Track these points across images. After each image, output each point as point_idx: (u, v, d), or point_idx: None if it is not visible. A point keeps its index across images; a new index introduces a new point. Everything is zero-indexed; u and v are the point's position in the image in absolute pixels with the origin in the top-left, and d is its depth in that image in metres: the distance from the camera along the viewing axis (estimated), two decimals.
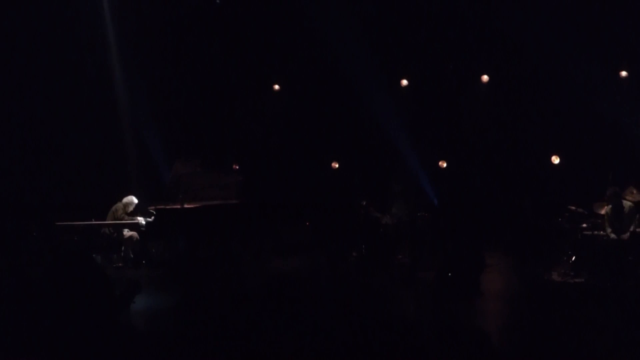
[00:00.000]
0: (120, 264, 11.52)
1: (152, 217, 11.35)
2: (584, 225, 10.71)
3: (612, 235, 10.19)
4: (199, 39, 14.10)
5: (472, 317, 8.11)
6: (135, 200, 11.83)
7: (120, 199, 11.80)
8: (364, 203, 12.11)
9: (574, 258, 10.44)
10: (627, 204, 10.28)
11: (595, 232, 10.47)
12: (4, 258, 10.30)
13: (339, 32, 13.28)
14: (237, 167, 14.33)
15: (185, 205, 11.15)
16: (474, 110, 14.21)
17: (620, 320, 7.49)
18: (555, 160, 13.56)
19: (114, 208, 11.72)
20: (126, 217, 11.65)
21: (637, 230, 10.07)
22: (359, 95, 13.96)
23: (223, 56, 14.37)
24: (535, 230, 11.87)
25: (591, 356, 6.37)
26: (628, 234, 10.08)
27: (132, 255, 11.61)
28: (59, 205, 12.29)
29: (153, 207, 11.38)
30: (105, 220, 11.69)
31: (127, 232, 11.68)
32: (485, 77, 14.11)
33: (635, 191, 10.50)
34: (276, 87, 15.05)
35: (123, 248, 11.66)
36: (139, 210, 11.90)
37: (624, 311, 7.92)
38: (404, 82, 14.48)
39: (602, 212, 10.66)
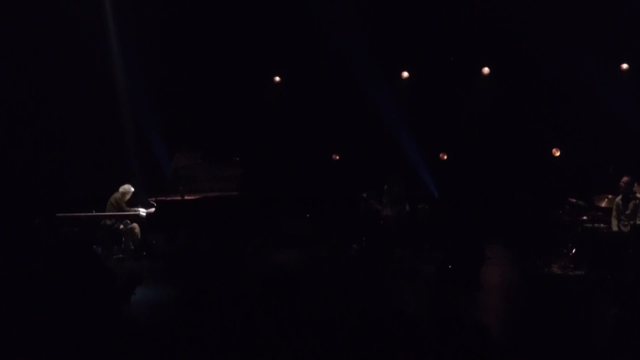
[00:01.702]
0: (120, 256, 11.54)
1: (153, 209, 11.36)
2: (584, 217, 10.71)
3: (615, 228, 10.18)
4: (200, 31, 14.07)
5: (472, 310, 8.12)
6: (132, 189, 11.86)
7: (117, 189, 11.83)
8: (365, 195, 12.11)
9: (574, 251, 10.45)
10: (635, 195, 10.24)
11: (596, 225, 10.47)
12: (6, 248, 10.31)
13: (339, 25, 13.25)
14: (238, 159, 14.32)
15: (186, 197, 11.16)
16: (474, 102, 14.20)
17: (621, 313, 7.50)
18: (556, 153, 13.56)
19: (112, 199, 11.72)
20: (126, 207, 11.67)
21: (638, 223, 10.07)
22: (359, 87, 13.93)
23: (223, 48, 14.33)
24: (535, 222, 11.87)
25: (591, 349, 6.38)
26: (629, 226, 10.08)
27: (132, 247, 11.62)
28: (60, 196, 12.30)
29: (154, 199, 11.39)
30: (104, 211, 11.70)
31: (127, 224, 11.68)
32: (485, 70, 14.10)
33: (637, 184, 10.48)
34: (277, 79, 15.04)
35: (123, 239, 11.68)
36: (138, 200, 11.91)
37: (624, 304, 7.93)
38: (405, 74, 14.48)
39: (603, 204, 10.66)
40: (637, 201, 10.15)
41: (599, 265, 9.88)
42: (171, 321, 4.45)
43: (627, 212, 10.17)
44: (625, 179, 10.27)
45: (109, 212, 11.67)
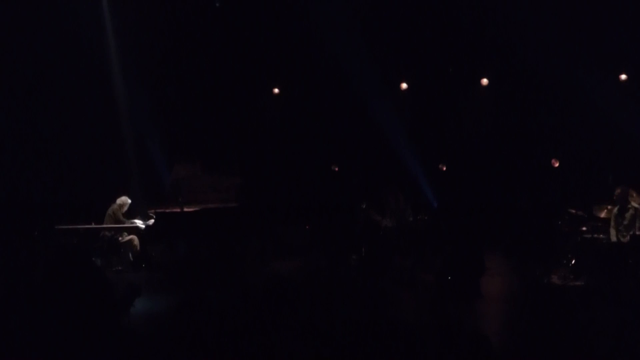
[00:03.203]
0: (119, 268, 11.52)
1: (152, 221, 11.34)
2: (584, 228, 10.71)
3: (614, 238, 10.17)
4: (199, 41, 14.11)
5: (472, 320, 8.10)
6: (129, 201, 11.87)
7: (114, 201, 11.83)
8: (364, 206, 12.11)
9: (573, 261, 10.43)
10: (631, 205, 10.24)
11: (595, 235, 10.46)
12: (6, 259, 10.29)
13: (339, 35, 13.29)
14: (238, 170, 14.31)
15: (185, 209, 11.15)
16: (473, 113, 14.23)
17: (621, 324, 7.48)
18: (555, 163, 13.57)
19: (110, 211, 11.71)
20: (122, 219, 11.67)
21: (638, 233, 10.06)
22: (359, 98, 13.97)
23: (223, 58, 14.37)
24: (535, 233, 11.86)
25: (591, 359, 6.37)
26: (628, 237, 10.07)
27: (131, 259, 11.60)
28: (60, 208, 12.29)
29: (153, 211, 11.37)
30: (103, 222, 11.69)
31: (126, 236, 11.67)
32: (484, 80, 14.13)
33: (635, 194, 10.48)
34: (276, 90, 15.08)
35: (122, 251, 11.66)
36: (137, 212, 11.90)
37: (624, 314, 7.92)
38: (404, 85, 14.52)
39: (602, 215, 10.66)
40: (634, 211, 10.14)
41: (598, 276, 9.86)
42: (171, 333, 4.44)
43: (625, 222, 10.15)
44: (618, 190, 10.28)
45: (107, 223, 11.66)
